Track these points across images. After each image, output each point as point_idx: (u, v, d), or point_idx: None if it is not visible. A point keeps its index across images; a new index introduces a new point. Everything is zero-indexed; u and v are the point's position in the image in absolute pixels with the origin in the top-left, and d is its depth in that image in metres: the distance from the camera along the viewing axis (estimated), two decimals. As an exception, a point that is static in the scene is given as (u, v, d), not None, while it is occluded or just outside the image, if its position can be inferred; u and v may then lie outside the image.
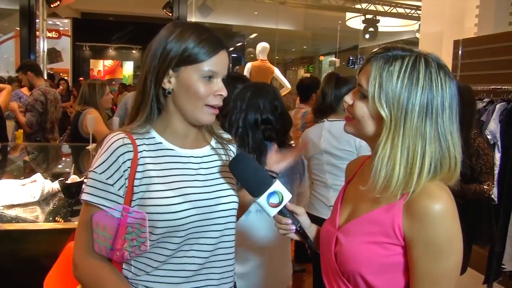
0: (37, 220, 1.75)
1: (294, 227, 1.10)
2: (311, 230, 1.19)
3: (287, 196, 1.08)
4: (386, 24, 10.79)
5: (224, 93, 1.10)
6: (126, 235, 1.03)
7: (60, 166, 3.11)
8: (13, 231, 1.61)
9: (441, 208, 0.88)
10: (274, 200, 1.07)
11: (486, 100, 2.94)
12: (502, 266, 2.68)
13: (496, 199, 2.64)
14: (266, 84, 1.96)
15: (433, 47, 5.19)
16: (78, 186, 1.90)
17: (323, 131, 2.44)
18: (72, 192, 1.92)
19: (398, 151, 0.91)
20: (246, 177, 1.09)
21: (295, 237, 1.15)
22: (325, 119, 2.48)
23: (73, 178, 1.94)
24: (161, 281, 1.08)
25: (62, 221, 1.75)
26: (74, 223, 1.67)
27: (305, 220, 1.15)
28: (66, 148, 3.82)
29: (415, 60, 0.92)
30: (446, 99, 0.92)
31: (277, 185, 1.07)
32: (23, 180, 2.02)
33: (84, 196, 1.05)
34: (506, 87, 2.84)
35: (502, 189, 2.63)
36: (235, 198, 1.18)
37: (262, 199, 1.06)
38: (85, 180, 1.97)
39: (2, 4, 10.53)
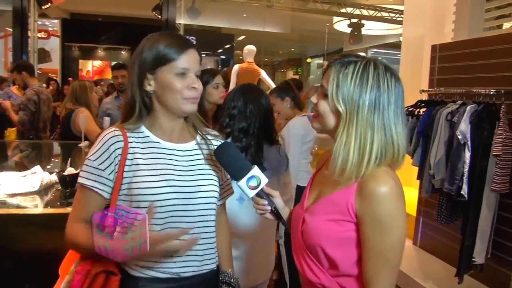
0: (37, 207, 1.91)
1: (269, 208, 1.27)
2: (284, 211, 1.35)
3: (264, 180, 1.24)
4: (372, 28, 11.01)
5: (197, 85, 1.25)
6: (126, 235, 1.15)
7: (54, 161, 3.23)
8: (16, 215, 1.80)
9: (386, 190, 1.04)
10: (253, 183, 1.23)
11: (459, 102, 3.10)
12: (473, 259, 2.77)
13: (466, 196, 2.79)
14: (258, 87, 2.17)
15: (415, 51, 5.35)
16: (73, 177, 2.04)
17: (308, 122, 3.12)
18: (68, 183, 2.07)
19: (352, 139, 1.08)
20: (229, 163, 1.26)
21: (271, 217, 1.30)
22: (305, 114, 3.18)
23: (70, 170, 2.08)
24: (152, 259, 1.22)
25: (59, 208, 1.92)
26: (69, 210, 1.81)
27: (279, 202, 1.32)
28: (59, 146, 3.92)
29: (365, 64, 1.10)
30: (391, 96, 1.09)
31: (256, 171, 1.24)
32: (24, 172, 2.17)
33: (79, 180, 1.23)
34: (477, 90, 3.01)
35: (472, 186, 2.76)
36: (215, 188, 1.33)
37: (242, 182, 1.23)
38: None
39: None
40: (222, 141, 1.43)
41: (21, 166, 2.89)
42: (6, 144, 3.78)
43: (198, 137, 1.38)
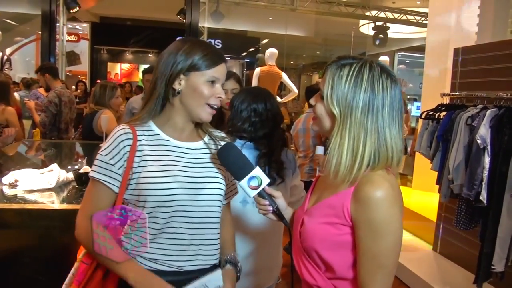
0: (53, 203, 1.99)
1: (271, 208, 1.28)
2: (287, 212, 1.35)
3: (266, 180, 1.26)
4: (398, 31, 10.88)
5: (223, 95, 1.34)
6: (126, 235, 1.21)
7: (75, 161, 3.33)
8: (32, 210, 1.88)
9: (381, 194, 1.03)
10: (254, 183, 1.25)
11: (480, 106, 3.04)
12: (492, 267, 2.69)
13: (485, 201, 2.72)
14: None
15: (439, 54, 5.28)
16: (88, 175, 2.11)
17: None
18: (83, 180, 2.14)
19: (345, 141, 1.07)
20: (230, 163, 1.28)
21: (273, 217, 1.32)
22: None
23: (85, 169, 2.16)
24: (157, 252, 1.27)
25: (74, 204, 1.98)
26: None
27: (281, 203, 1.32)
28: (80, 145, 4.03)
29: (361, 66, 1.09)
30: (386, 98, 1.07)
31: (257, 171, 1.26)
32: (42, 169, 2.25)
33: (91, 173, 1.29)
34: (499, 93, 2.94)
35: (491, 192, 2.70)
36: (221, 186, 1.36)
37: (244, 182, 1.25)
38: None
39: (24, 9, 10.92)
40: (228, 141, 1.46)
41: (42, 165, 3.00)
42: (29, 144, 3.90)
43: (206, 138, 1.43)
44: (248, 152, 1.79)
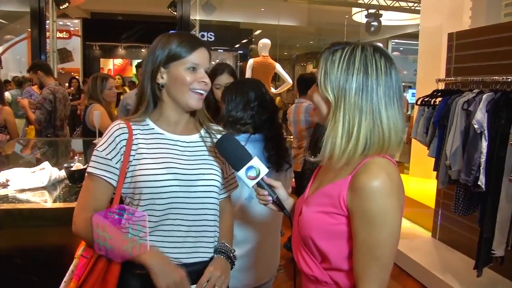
0: (45, 202, 1.95)
1: (271, 198, 1.26)
2: (288, 202, 1.33)
3: (264, 170, 1.24)
4: (391, 18, 10.83)
5: (207, 80, 1.33)
6: (127, 234, 1.21)
7: (70, 158, 3.29)
8: (24, 210, 1.85)
9: (377, 184, 0.99)
10: (252, 173, 1.24)
11: (475, 91, 3.01)
12: (492, 252, 2.68)
13: (483, 187, 2.71)
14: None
15: (433, 40, 5.26)
16: (81, 173, 2.07)
17: None
18: (76, 178, 2.11)
19: (339, 124, 1.05)
20: (228, 153, 1.28)
21: (273, 207, 1.30)
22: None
23: (77, 166, 2.13)
24: (155, 245, 1.26)
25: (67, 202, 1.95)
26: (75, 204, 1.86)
27: (282, 193, 1.30)
28: (74, 142, 3.99)
29: (353, 48, 1.06)
30: (380, 77, 1.04)
31: (255, 161, 1.24)
32: (33, 168, 2.22)
33: (88, 169, 1.29)
34: (494, 77, 2.92)
35: (489, 176, 2.69)
36: (217, 177, 1.36)
37: (241, 172, 1.24)
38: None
39: (14, 7, 10.80)
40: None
41: (38, 163, 2.96)
42: (24, 142, 3.86)
43: (202, 131, 1.43)
44: (254, 145, 1.76)
